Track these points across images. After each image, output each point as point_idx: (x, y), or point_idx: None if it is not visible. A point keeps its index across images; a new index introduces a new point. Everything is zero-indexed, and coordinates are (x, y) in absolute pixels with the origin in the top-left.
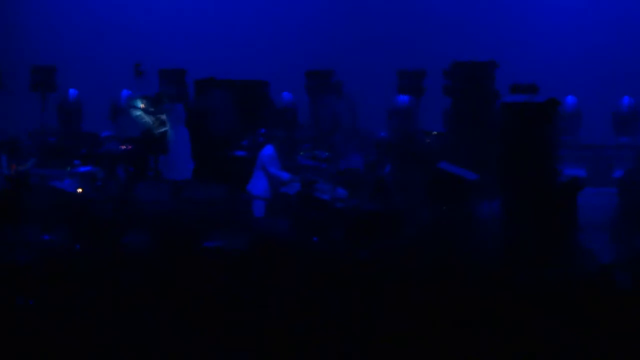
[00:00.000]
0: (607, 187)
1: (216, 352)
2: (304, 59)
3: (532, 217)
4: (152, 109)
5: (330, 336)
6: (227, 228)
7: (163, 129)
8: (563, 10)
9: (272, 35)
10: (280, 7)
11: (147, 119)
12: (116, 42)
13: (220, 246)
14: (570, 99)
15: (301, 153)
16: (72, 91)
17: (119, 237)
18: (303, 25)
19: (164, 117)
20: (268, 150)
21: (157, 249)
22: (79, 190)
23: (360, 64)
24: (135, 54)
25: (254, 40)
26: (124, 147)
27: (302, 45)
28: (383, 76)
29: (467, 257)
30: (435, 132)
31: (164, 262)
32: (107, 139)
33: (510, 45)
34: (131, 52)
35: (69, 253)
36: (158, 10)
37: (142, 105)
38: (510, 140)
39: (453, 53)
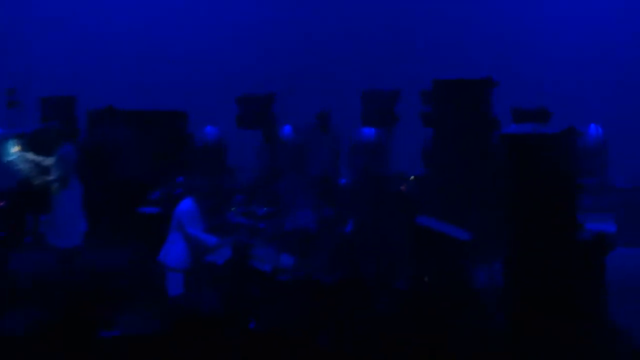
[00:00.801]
0: None
1: None
2: (233, 83)
3: (545, 287)
4: (31, 152)
5: None
6: (132, 310)
7: (46, 179)
8: (579, 15)
9: (189, 51)
10: (203, 15)
11: (24, 165)
12: None
13: (123, 334)
14: (592, 129)
15: (232, 209)
16: None
17: None
18: (231, 39)
19: (47, 162)
20: (187, 205)
21: (38, 338)
22: None
23: (309, 86)
24: (7, 78)
25: (165, 59)
26: None
27: (228, 65)
28: (340, 100)
29: (459, 339)
30: (412, 176)
31: (48, 356)
32: None
33: (510, 59)
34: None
35: None
36: (37, 21)
37: (16, 147)
38: (513, 185)
39: (434, 71)
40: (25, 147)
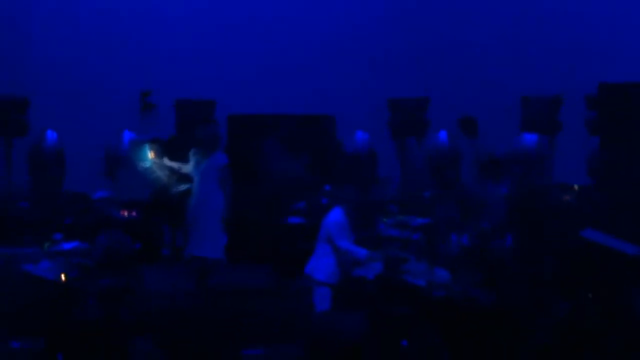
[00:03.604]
0: None
1: None
2: (384, 84)
3: None
4: (167, 159)
5: None
6: (275, 329)
7: (184, 188)
8: None
9: (335, 51)
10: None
11: (161, 173)
12: (110, 62)
13: (265, 353)
14: None
15: (384, 220)
16: (50, 133)
17: (119, 347)
18: (378, 30)
19: (186, 169)
20: (336, 216)
21: None
22: (62, 276)
23: (463, 87)
24: (141, 78)
25: (308, 58)
26: (126, 213)
27: (382, 64)
28: (499, 105)
29: None
30: (576, 186)
31: None
32: (102, 202)
33: None
34: (135, 75)
35: None
36: (173, 16)
37: (152, 154)
38: None
39: (597, 74)
40: (161, 153)
